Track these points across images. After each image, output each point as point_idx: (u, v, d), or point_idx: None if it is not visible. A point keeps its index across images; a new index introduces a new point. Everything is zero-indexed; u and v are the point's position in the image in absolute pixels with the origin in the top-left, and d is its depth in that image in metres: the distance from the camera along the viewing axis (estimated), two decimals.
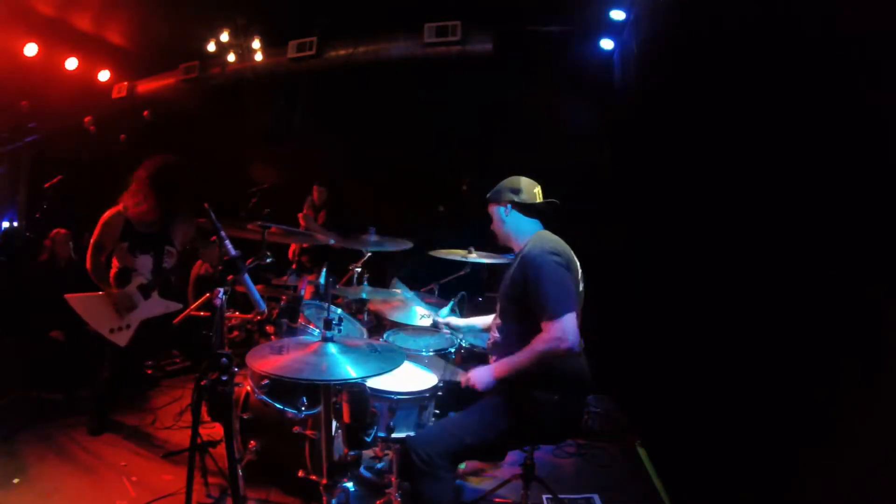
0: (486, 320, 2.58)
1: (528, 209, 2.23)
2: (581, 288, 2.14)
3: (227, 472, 2.43)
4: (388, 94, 5.34)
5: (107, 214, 3.08)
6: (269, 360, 1.71)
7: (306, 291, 3.43)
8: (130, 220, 3.08)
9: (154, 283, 3.13)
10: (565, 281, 2.00)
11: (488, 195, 2.33)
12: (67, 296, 2.94)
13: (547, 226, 2.28)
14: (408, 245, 3.23)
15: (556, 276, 1.98)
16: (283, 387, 2.49)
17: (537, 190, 2.28)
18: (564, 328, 1.90)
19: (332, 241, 3.25)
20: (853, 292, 1.44)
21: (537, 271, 1.99)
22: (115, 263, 3.13)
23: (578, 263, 2.17)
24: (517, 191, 2.23)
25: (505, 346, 2.13)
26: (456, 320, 2.71)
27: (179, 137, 5.44)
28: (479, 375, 2.09)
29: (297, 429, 2.45)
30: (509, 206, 2.23)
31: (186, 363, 4.26)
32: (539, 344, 1.94)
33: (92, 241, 3.06)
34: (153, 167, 3.11)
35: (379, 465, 2.68)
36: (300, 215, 4.93)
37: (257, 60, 5.56)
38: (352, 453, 1.99)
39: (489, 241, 2.44)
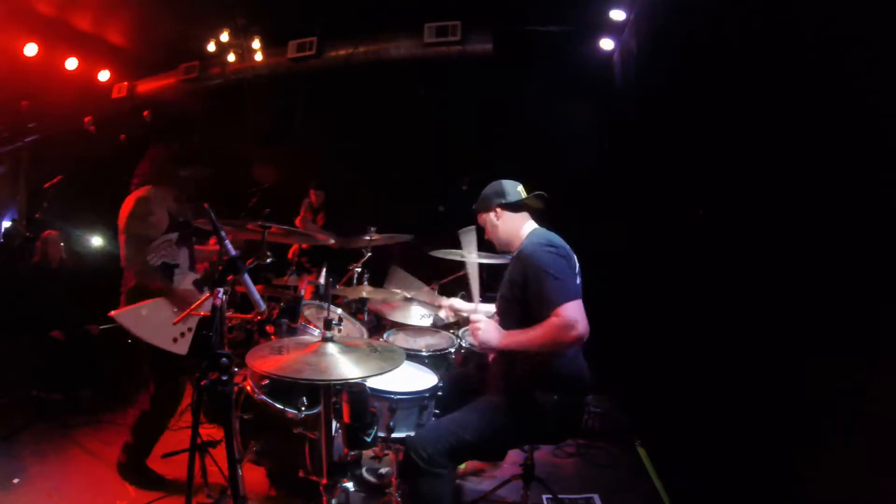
0: (491, 308, 2.52)
1: (516, 207, 2.25)
2: (579, 281, 2.13)
3: (227, 472, 2.42)
4: (388, 94, 5.33)
5: (149, 200, 2.59)
6: (269, 360, 1.71)
7: (306, 291, 3.43)
8: (173, 206, 2.67)
9: (207, 275, 2.47)
10: (565, 270, 1.99)
11: (475, 207, 2.35)
12: (112, 314, 2.47)
13: (540, 220, 2.29)
14: (407, 238, 3.24)
15: (555, 266, 1.97)
16: (283, 387, 2.49)
17: (520, 188, 2.29)
18: (574, 315, 1.87)
19: (331, 242, 3.25)
20: (853, 292, 1.44)
21: (535, 266, 1.99)
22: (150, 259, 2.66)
23: (576, 257, 2.16)
24: (502, 193, 2.26)
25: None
26: (461, 303, 2.65)
27: (179, 137, 5.43)
28: (486, 332, 2.03)
29: (297, 429, 2.45)
30: (498, 209, 2.25)
31: (187, 364, 4.25)
32: (549, 327, 1.89)
33: (129, 235, 2.56)
34: (173, 150, 2.82)
35: (382, 471, 2.67)
36: (297, 219, 4.93)
37: (257, 60, 5.55)
38: (352, 453, 1.99)
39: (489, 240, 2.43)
